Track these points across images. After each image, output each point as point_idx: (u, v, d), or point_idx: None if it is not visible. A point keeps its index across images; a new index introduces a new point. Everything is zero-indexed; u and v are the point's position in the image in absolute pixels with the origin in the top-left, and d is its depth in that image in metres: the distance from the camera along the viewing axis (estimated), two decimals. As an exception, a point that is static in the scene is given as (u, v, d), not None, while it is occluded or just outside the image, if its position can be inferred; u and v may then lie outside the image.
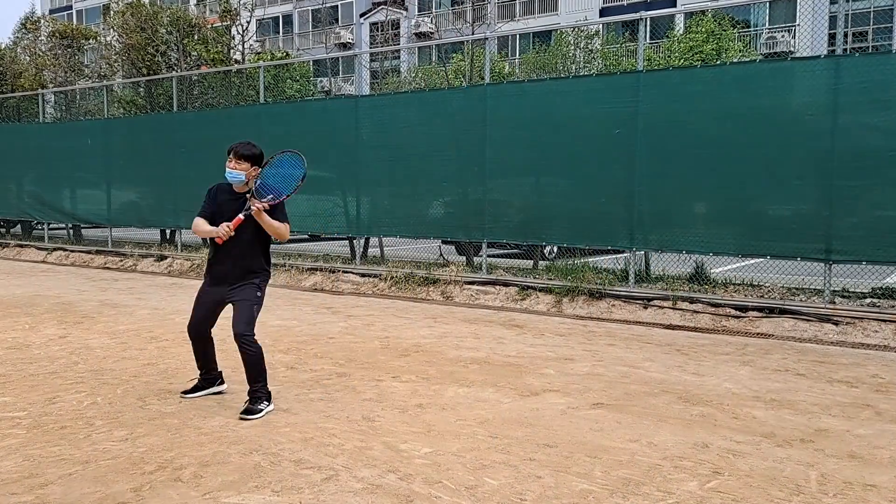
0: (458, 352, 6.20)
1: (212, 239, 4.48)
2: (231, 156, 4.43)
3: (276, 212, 4.46)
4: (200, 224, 4.49)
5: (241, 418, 4.30)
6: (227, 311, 4.55)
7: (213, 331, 4.68)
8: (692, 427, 4.25)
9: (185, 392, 4.79)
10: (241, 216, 4.33)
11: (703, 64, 14.95)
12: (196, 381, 4.84)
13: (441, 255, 11.25)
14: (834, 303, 7.30)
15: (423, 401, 4.74)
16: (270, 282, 11.92)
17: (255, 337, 4.41)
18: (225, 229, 4.30)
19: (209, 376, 4.80)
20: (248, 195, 4.40)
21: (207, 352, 4.71)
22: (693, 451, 3.86)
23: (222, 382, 4.86)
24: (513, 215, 9.13)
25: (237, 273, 4.48)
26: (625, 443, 3.98)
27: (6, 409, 4.51)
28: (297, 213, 10.94)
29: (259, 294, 4.52)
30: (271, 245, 4.70)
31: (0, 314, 7.93)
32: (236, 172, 4.43)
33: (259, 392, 4.42)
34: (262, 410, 4.38)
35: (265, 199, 4.37)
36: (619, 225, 8.25)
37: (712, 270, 8.74)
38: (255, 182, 4.41)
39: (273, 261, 10.90)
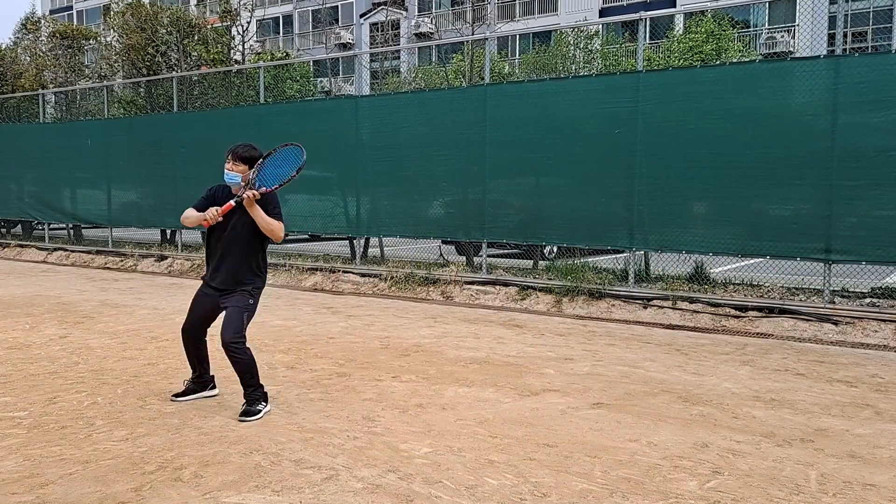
0: (458, 352, 6.21)
1: (207, 239, 4.49)
2: (229, 157, 4.38)
3: (269, 207, 4.39)
4: (189, 212, 4.43)
5: (241, 420, 4.28)
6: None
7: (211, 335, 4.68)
8: (692, 427, 4.25)
9: (176, 395, 4.70)
10: (231, 202, 4.29)
11: (702, 64, 14.96)
12: (187, 383, 4.76)
13: (441, 255, 11.25)
14: (833, 303, 7.31)
15: (423, 400, 4.74)
16: (271, 282, 11.95)
17: (246, 343, 4.34)
18: (213, 213, 4.25)
19: (201, 380, 4.73)
20: (243, 185, 4.36)
21: (201, 355, 4.65)
22: (693, 450, 3.87)
23: (214, 387, 4.79)
24: (513, 215, 9.13)
25: (230, 277, 4.43)
26: (624, 442, 3.98)
27: (7, 409, 4.51)
28: (297, 213, 10.99)
29: (251, 301, 4.44)
30: (269, 246, 4.64)
31: (1, 314, 7.94)
32: (233, 174, 4.38)
33: (255, 394, 4.38)
34: (260, 411, 4.35)
35: (258, 189, 4.31)
36: (618, 225, 8.26)
37: (712, 270, 8.75)
38: (253, 173, 4.35)
39: (273, 261, 11.08)
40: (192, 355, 4.64)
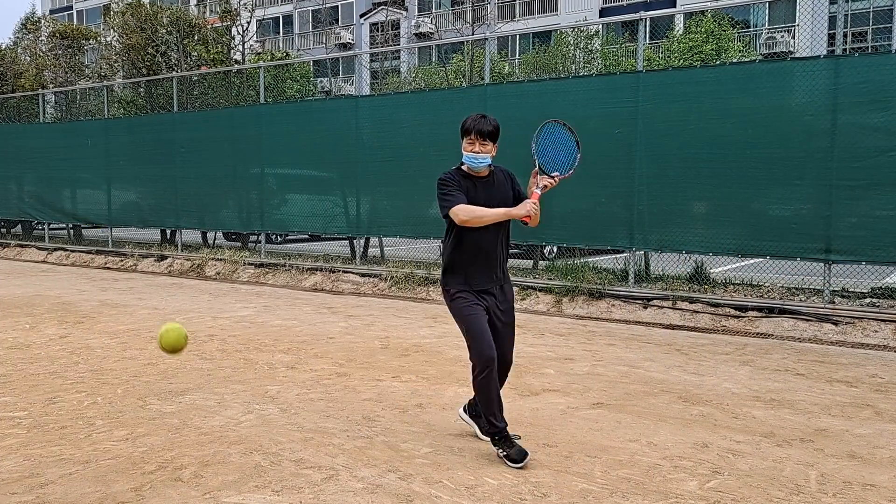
0: (458, 351, 6.20)
1: (460, 238, 3.62)
2: (474, 136, 3.55)
3: (517, 189, 3.77)
4: (477, 209, 3.48)
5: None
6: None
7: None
8: (692, 427, 4.25)
9: (516, 462, 3.57)
10: (537, 191, 3.56)
11: (702, 64, 14.96)
12: (513, 435, 3.72)
13: (441, 255, 11.23)
14: (833, 303, 7.31)
15: (423, 400, 4.74)
16: (271, 282, 11.92)
17: None
18: (533, 207, 3.46)
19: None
20: (534, 171, 3.66)
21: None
22: (693, 450, 3.87)
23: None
24: (513, 215, 9.11)
25: (501, 276, 3.75)
26: (624, 442, 3.98)
27: (7, 409, 4.51)
28: (297, 213, 11.00)
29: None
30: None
31: (1, 314, 7.94)
32: (483, 156, 3.56)
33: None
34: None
35: (555, 175, 3.65)
36: (618, 225, 8.26)
37: (712, 270, 8.75)
38: (536, 156, 3.68)
39: (273, 261, 11.09)
40: (496, 389, 3.66)
